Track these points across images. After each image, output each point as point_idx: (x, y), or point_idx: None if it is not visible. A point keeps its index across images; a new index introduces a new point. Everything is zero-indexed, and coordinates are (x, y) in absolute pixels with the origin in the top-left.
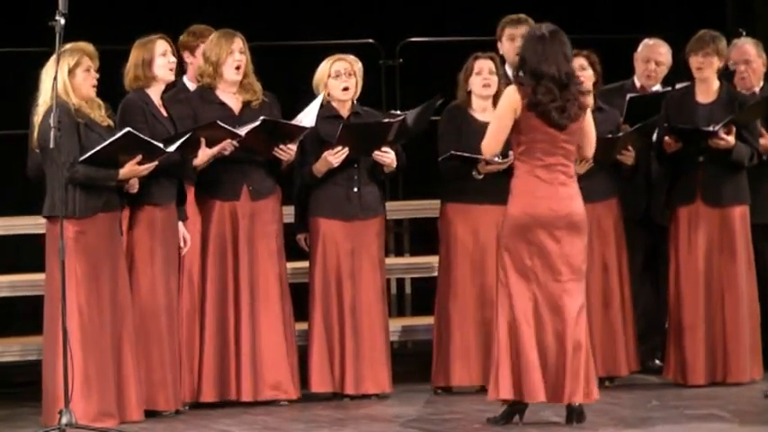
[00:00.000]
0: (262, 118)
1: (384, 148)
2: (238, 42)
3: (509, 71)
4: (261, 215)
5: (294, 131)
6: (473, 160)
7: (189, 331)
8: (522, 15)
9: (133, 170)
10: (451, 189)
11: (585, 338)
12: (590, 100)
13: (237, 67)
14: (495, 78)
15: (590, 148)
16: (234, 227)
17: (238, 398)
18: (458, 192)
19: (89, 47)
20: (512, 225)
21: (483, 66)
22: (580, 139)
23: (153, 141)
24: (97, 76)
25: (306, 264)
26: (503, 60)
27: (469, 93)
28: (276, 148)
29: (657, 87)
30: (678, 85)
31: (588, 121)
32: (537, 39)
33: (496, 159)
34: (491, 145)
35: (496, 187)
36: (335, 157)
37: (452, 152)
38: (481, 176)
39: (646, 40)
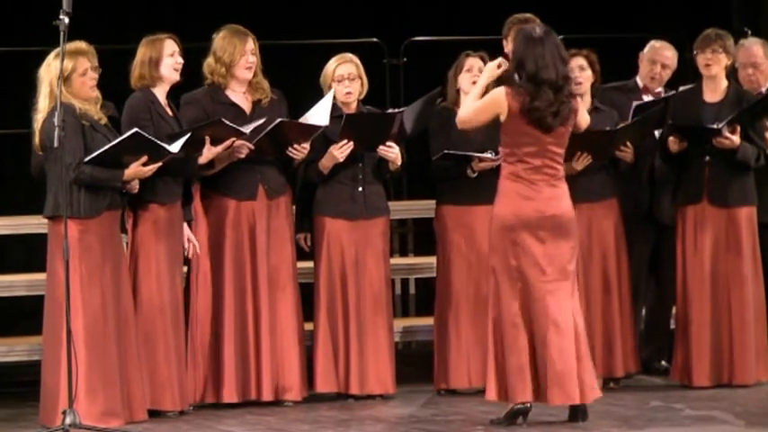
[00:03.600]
0: (279, 120)
1: (389, 143)
2: (250, 43)
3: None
4: (276, 213)
5: (309, 131)
6: (467, 158)
7: (201, 332)
8: (530, 15)
9: (138, 171)
10: (446, 191)
11: (578, 340)
12: (579, 102)
13: (249, 68)
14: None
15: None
16: (251, 226)
17: (258, 398)
18: (452, 193)
19: (84, 46)
20: (497, 226)
21: (473, 64)
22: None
23: (159, 142)
24: (95, 75)
25: (309, 264)
26: (507, 59)
27: (458, 91)
28: (290, 148)
29: (660, 90)
30: (682, 88)
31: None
32: (534, 41)
33: (489, 156)
34: (467, 121)
35: (491, 188)
36: (341, 151)
37: (446, 151)
38: (475, 174)
39: (653, 42)
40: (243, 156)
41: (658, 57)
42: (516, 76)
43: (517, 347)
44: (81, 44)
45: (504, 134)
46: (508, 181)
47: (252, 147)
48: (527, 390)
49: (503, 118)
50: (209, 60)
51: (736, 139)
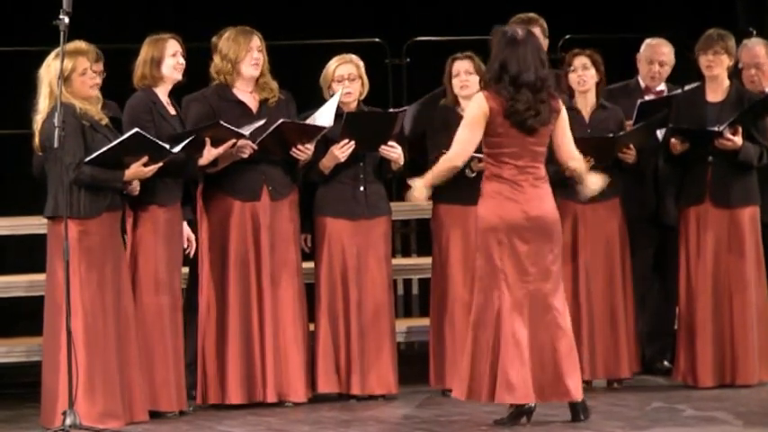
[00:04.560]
0: (281, 120)
1: (391, 143)
2: (256, 41)
3: None
4: (281, 215)
5: (311, 131)
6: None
7: (208, 332)
8: (533, 15)
9: (138, 171)
10: (443, 190)
11: (563, 339)
12: (561, 104)
13: (255, 65)
14: (473, 78)
15: (564, 154)
16: (255, 228)
17: (264, 400)
18: (449, 193)
19: (84, 46)
20: (482, 227)
21: (459, 67)
22: (556, 148)
23: (159, 142)
24: (96, 76)
25: (311, 264)
26: None
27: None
28: (294, 148)
29: (662, 87)
30: (687, 87)
31: (564, 129)
32: (515, 43)
33: None
34: (460, 154)
35: None
36: (342, 150)
37: (444, 151)
38: (474, 174)
39: (648, 41)
40: (246, 155)
41: (655, 56)
42: (497, 80)
43: (489, 349)
44: (80, 44)
45: (487, 135)
46: (491, 182)
47: (255, 147)
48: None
49: (487, 119)
50: (216, 60)
51: (738, 140)
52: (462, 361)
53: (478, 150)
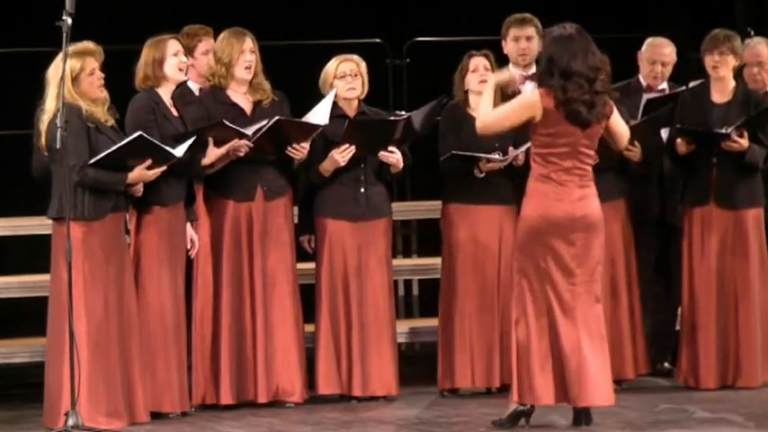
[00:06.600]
0: (276, 117)
1: (390, 148)
2: (249, 42)
3: (513, 70)
4: (275, 214)
5: (307, 130)
6: (474, 159)
7: (201, 333)
8: (528, 15)
9: (142, 175)
10: (453, 189)
11: (602, 341)
12: (612, 103)
13: (248, 67)
14: (490, 75)
15: (622, 140)
16: (249, 228)
17: (255, 400)
18: (459, 192)
19: (92, 46)
20: (526, 227)
21: (478, 63)
22: (612, 139)
23: (163, 146)
24: (102, 75)
25: (312, 265)
26: (506, 60)
27: (466, 92)
28: (289, 147)
29: (664, 85)
30: (692, 84)
31: (617, 118)
32: (565, 38)
33: (497, 157)
34: (491, 126)
35: (497, 187)
36: (342, 155)
37: (453, 152)
38: (482, 175)
39: (650, 40)
40: (242, 155)
41: (657, 56)
42: (548, 75)
43: (542, 349)
44: (89, 44)
45: (538, 134)
46: (537, 182)
47: (251, 145)
48: (551, 391)
49: (538, 118)
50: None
51: (744, 142)
52: (512, 364)
53: (485, 151)
